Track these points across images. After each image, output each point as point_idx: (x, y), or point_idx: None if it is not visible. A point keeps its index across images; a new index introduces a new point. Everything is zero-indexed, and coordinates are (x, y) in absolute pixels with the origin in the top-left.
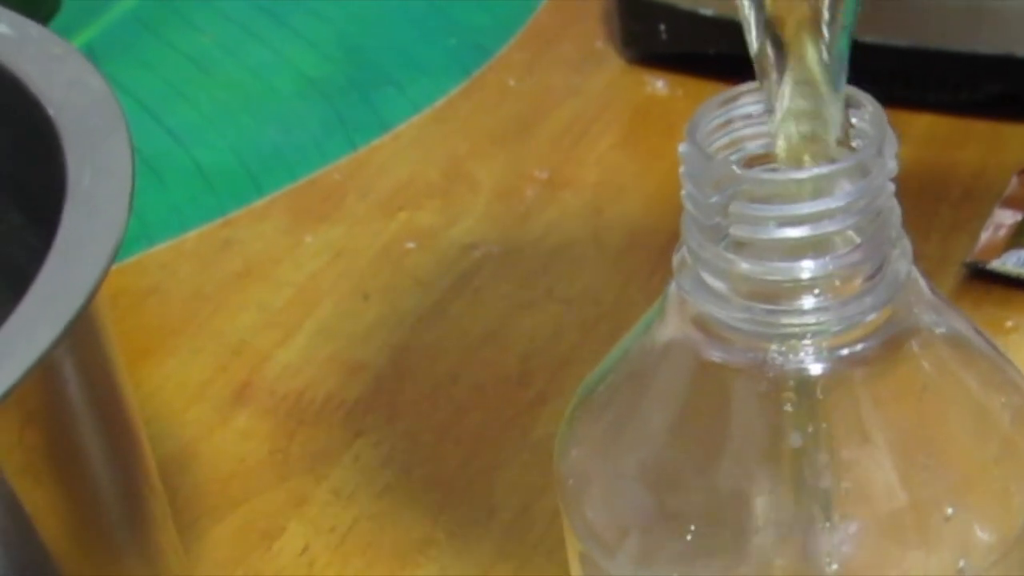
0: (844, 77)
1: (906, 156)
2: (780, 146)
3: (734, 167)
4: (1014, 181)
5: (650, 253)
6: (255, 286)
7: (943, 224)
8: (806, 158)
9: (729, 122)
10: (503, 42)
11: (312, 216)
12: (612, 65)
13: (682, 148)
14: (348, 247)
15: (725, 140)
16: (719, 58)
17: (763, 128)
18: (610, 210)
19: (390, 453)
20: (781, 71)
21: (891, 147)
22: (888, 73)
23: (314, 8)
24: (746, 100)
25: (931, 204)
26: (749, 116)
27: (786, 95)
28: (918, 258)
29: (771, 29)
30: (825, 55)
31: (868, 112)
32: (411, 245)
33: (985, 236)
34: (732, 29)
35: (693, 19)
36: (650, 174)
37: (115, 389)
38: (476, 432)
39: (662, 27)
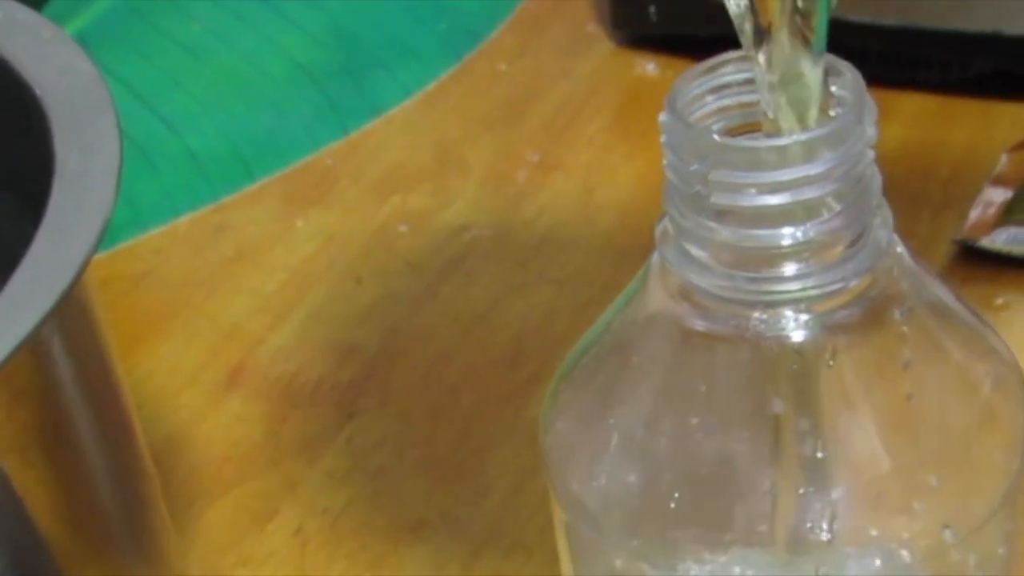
0: (824, 42)
1: (896, 135)
2: (765, 113)
3: (714, 135)
4: (1004, 159)
5: (642, 234)
6: (247, 271)
7: (933, 202)
8: (789, 125)
9: (709, 92)
10: (494, 26)
11: (304, 200)
12: (602, 48)
13: (662, 118)
14: (340, 231)
15: (706, 110)
16: (709, 39)
17: (744, 97)
18: (601, 192)
19: (383, 435)
20: (762, 38)
21: (870, 114)
22: (877, 53)
23: None
24: (726, 70)
25: (921, 183)
26: (729, 86)
27: (769, 62)
28: (908, 236)
29: None
30: (803, 24)
31: (847, 79)
32: (403, 228)
33: (975, 214)
34: (721, 10)
35: (682, 1)
36: (641, 156)
37: (105, 370)
38: (468, 413)
39: (652, 9)
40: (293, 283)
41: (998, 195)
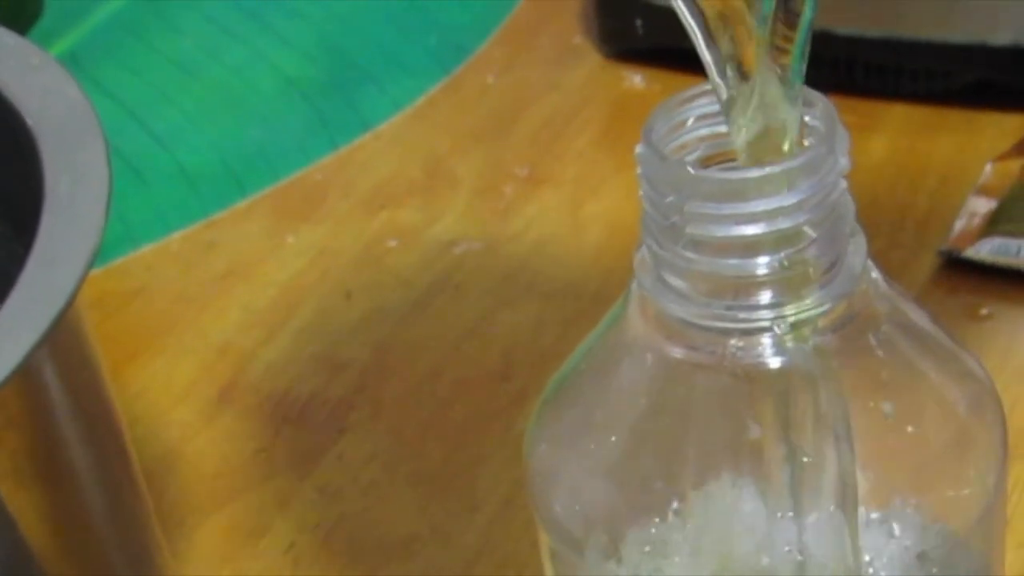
0: (801, 80)
1: (881, 146)
2: (740, 146)
3: (688, 167)
4: (988, 169)
5: (629, 247)
6: (239, 287)
7: (918, 213)
8: (765, 157)
9: (685, 122)
10: (482, 40)
11: (295, 216)
12: (590, 61)
13: (638, 150)
14: (330, 246)
15: (682, 140)
16: (696, 53)
17: (719, 128)
18: (589, 205)
19: (374, 450)
20: (741, 80)
21: (842, 144)
22: (863, 64)
23: (295, 9)
24: (702, 101)
25: (906, 193)
26: (705, 116)
27: (745, 98)
28: (893, 247)
29: (722, 36)
30: (777, 63)
31: (819, 110)
32: (393, 243)
33: (960, 224)
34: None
35: (669, 14)
36: (629, 168)
37: (97, 393)
38: (459, 427)
39: (639, 22)
40: (284, 299)
41: (982, 205)
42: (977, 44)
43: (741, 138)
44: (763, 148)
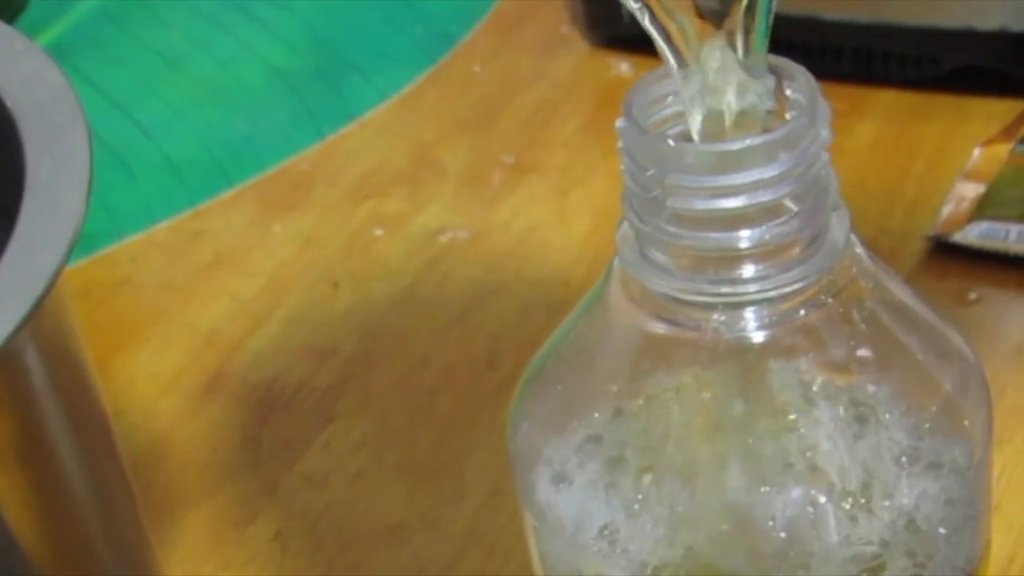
0: (765, 49)
1: (869, 131)
2: (696, 120)
3: (669, 140)
4: (977, 154)
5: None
6: (225, 276)
7: (907, 198)
8: (728, 132)
9: (666, 97)
10: (468, 28)
11: (281, 205)
12: (577, 49)
13: (618, 123)
14: (317, 235)
15: (663, 114)
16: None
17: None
18: (576, 193)
19: (361, 438)
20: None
21: (823, 116)
22: (851, 49)
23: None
24: None
25: (895, 178)
26: None
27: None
28: (882, 231)
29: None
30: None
31: (800, 82)
32: (379, 232)
33: (948, 209)
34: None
35: None
36: (616, 156)
37: (81, 379)
38: (446, 416)
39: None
40: (271, 288)
41: (971, 190)
42: (965, 29)
43: (693, 120)
44: (713, 128)
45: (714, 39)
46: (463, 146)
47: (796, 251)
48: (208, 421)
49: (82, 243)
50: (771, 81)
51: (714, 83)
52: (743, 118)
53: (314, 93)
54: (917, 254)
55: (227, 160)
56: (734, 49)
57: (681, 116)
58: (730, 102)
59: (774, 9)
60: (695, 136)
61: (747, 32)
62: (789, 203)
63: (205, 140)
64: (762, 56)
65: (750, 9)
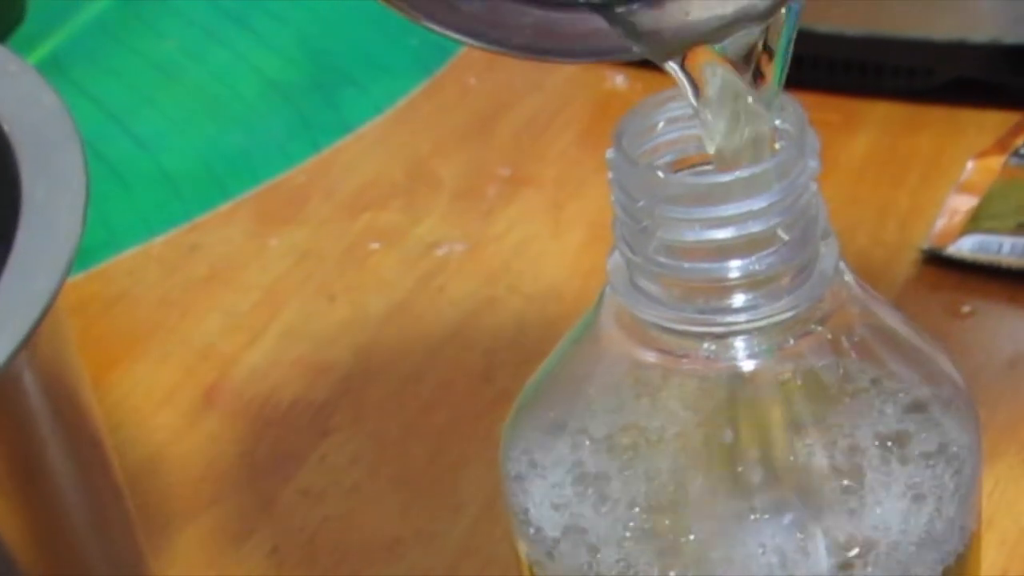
0: (779, 88)
1: (863, 143)
2: (714, 151)
3: (658, 171)
4: (970, 166)
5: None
6: (221, 290)
7: (900, 210)
8: (740, 161)
9: (656, 126)
10: None
11: (277, 219)
12: None
13: (609, 154)
14: (313, 249)
15: (653, 144)
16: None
17: (691, 131)
18: (572, 205)
19: (357, 452)
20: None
21: (812, 147)
22: (844, 62)
23: (275, 11)
24: (673, 105)
25: (888, 191)
26: (676, 120)
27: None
28: (875, 244)
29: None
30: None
31: (789, 113)
32: (375, 245)
33: (941, 222)
34: None
35: None
36: None
37: (77, 399)
38: (442, 429)
39: None
40: (266, 302)
41: (964, 202)
42: (958, 42)
43: (714, 145)
44: (737, 153)
45: (729, 71)
46: (459, 158)
47: (786, 280)
48: (204, 435)
49: (78, 257)
50: (792, 111)
51: (727, 111)
52: (754, 146)
53: (310, 105)
54: (910, 266)
55: (223, 173)
56: (749, 83)
57: (672, 145)
58: (743, 131)
59: (791, 48)
60: (715, 160)
61: (762, 67)
62: (779, 233)
63: (201, 152)
64: (777, 89)
65: (766, 48)
